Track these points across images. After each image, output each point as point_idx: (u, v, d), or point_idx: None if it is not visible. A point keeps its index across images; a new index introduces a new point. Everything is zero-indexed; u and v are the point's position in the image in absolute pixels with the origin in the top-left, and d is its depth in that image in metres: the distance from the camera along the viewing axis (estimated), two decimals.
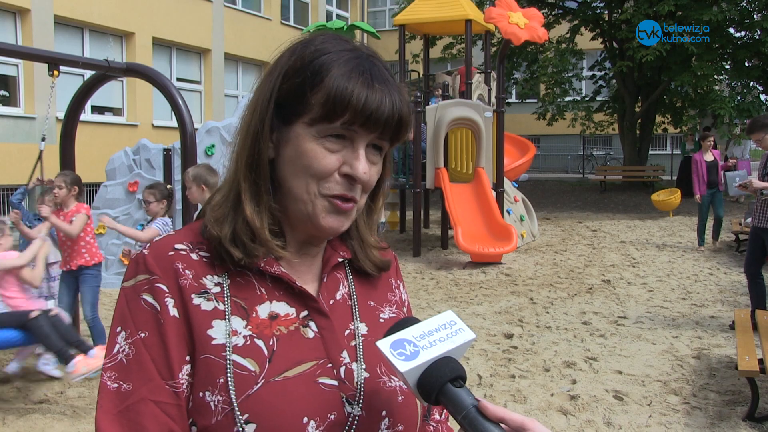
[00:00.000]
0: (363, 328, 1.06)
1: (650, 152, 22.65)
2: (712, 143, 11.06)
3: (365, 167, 0.96)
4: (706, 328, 6.59)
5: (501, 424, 0.87)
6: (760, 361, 4.38)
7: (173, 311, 0.95)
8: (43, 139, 5.35)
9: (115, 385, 0.93)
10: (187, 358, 0.94)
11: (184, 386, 0.94)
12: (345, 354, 1.01)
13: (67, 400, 4.90)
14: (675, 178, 19.69)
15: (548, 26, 17.34)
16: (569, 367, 5.42)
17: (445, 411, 1.17)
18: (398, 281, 1.19)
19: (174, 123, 7.21)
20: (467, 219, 10.27)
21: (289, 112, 0.97)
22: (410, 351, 0.90)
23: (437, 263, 10.11)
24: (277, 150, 0.99)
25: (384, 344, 0.90)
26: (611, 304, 7.62)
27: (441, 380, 0.88)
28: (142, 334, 0.94)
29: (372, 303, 1.11)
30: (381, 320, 1.09)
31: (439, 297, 8.02)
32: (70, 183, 5.44)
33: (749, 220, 9.59)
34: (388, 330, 0.94)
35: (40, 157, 5.16)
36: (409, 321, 0.95)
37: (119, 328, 0.95)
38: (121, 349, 0.94)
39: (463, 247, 9.84)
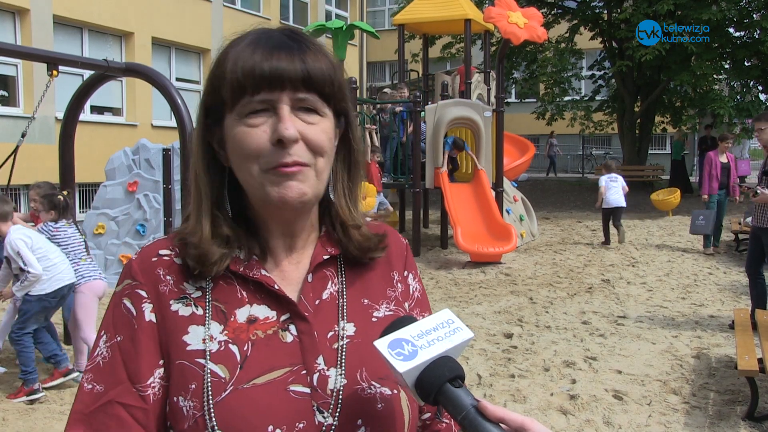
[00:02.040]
0: (350, 329, 1.03)
1: (650, 152, 22.66)
2: (730, 145, 10.97)
3: (289, 125, 0.93)
4: (706, 327, 6.60)
5: (501, 425, 0.86)
6: (760, 361, 4.38)
7: (150, 316, 0.96)
8: (23, 136, 5.34)
9: (89, 386, 0.95)
10: (161, 362, 0.95)
11: (155, 390, 0.94)
12: (321, 360, 0.98)
13: (66, 400, 4.90)
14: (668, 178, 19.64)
15: (547, 26, 17.35)
16: (569, 367, 5.42)
17: None
18: (406, 272, 1.14)
19: (173, 123, 7.21)
20: (467, 219, 10.27)
21: (216, 112, 0.98)
22: (408, 351, 0.88)
23: (437, 263, 10.11)
24: (227, 155, 1.00)
25: (382, 344, 0.89)
26: (611, 303, 7.62)
27: (440, 380, 0.87)
28: (119, 338, 0.96)
29: (366, 301, 1.07)
30: (374, 319, 1.05)
31: (439, 297, 8.01)
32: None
33: (749, 219, 9.59)
34: (385, 329, 0.92)
35: (14, 152, 5.15)
36: (405, 320, 0.93)
37: (102, 332, 0.98)
38: (99, 353, 0.96)
39: (462, 247, 9.84)
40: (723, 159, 10.72)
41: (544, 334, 6.39)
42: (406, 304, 1.12)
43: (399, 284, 1.12)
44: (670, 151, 26.18)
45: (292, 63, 0.94)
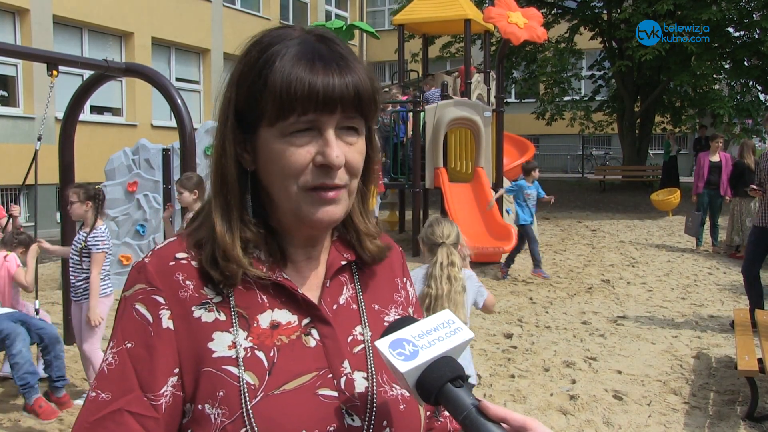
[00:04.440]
0: (368, 333, 1.04)
1: (650, 152, 22.65)
2: (720, 144, 11.07)
3: (338, 152, 0.93)
4: (706, 327, 6.59)
5: (502, 424, 0.85)
6: (760, 361, 4.38)
7: (167, 323, 0.94)
8: (39, 139, 5.28)
9: (94, 394, 0.92)
10: (176, 370, 0.93)
11: (167, 399, 0.92)
12: (346, 363, 0.99)
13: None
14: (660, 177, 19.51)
15: (547, 26, 17.31)
16: (569, 367, 5.42)
17: None
18: (405, 279, 1.17)
19: (173, 123, 7.22)
20: (466, 219, 10.26)
21: (250, 120, 0.95)
22: (409, 351, 0.88)
23: None
24: (254, 160, 0.97)
25: (383, 344, 0.89)
26: (611, 303, 7.62)
27: (441, 380, 0.87)
28: (129, 345, 0.93)
29: (376, 306, 1.08)
30: (385, 324, 1.06)
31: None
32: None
33: (748, 219, 9.60)
34: (386, 330, 0.92)
35: (35, 158, 5.10)
36: (406, 320, 0.93)
37: (111, 339, 0.96)
38: (105, 359, 0.94)
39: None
40: (715, 158, 10.83)
41: (544, 334, 6.39)
42: (410, 309, 1.14)
43: (402, 290, 1.14)
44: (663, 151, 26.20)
45: (345, 88, 0.92)
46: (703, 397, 4.79)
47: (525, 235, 9.20)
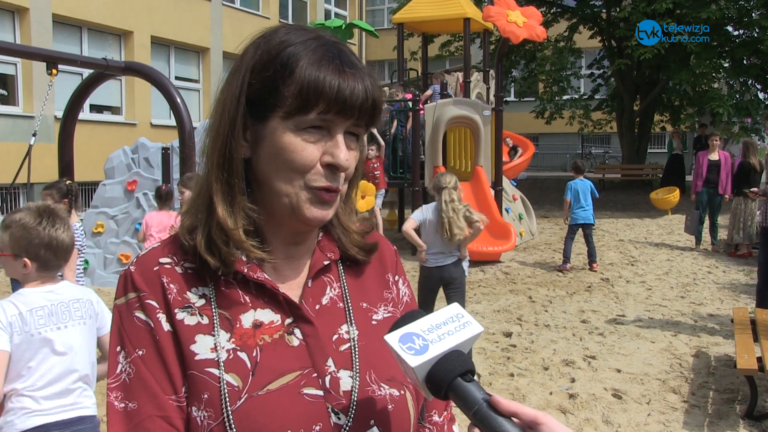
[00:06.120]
0: (354, 332, 1.03)
1: (649, 151, 22.66)
2: (718, 143, 11.08)
3: (346, 154, 0.95)
4: (705, 326, 6.60)
5: (513, 419, 0.84)
6: (759, 360, 4.38)
7: (166, 326, 0.95)
8: (34, 135, 5.26)
9: (122, 405, 0.93)
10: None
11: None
12: (330, 362, 0.98)
13: None
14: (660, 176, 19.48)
15: (547, 24, 17.33)
16: (568, 366, 5.43)
17: (444, 413, 1.14)
18: (397, 276, 1.15)
19: (173, 122, 7.22)
20: None
21: (262, 107, 0.95)
22: (419, 345, 0.87)
23: None
24: (253, 148, 0.97)
25: (393, 338, 0.88)
26: (610, 302, 7.62)
27: (451, 374, 0.86)
28: (140, 352, 0.94)
29: (364, 304, 1.07)
30: (373, 322, 1.06)
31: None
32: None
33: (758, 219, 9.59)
34: (394, 324, 0.92)
35: (28, 153, 5.08)
36: (415, 314, 0.92)
37: (119, 348, 0.96)
38: (123, 369, 0.94)
39: None
40: (714, 157, 10.83)
41: (543, 332, 6.39)
42: (400, 308, 1.13)
43: (393, 286, 1.14)
44: (666, 150, 26.20)
45: (365, 93, 0.94)
46: (702, 396, 4.80)
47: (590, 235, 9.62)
